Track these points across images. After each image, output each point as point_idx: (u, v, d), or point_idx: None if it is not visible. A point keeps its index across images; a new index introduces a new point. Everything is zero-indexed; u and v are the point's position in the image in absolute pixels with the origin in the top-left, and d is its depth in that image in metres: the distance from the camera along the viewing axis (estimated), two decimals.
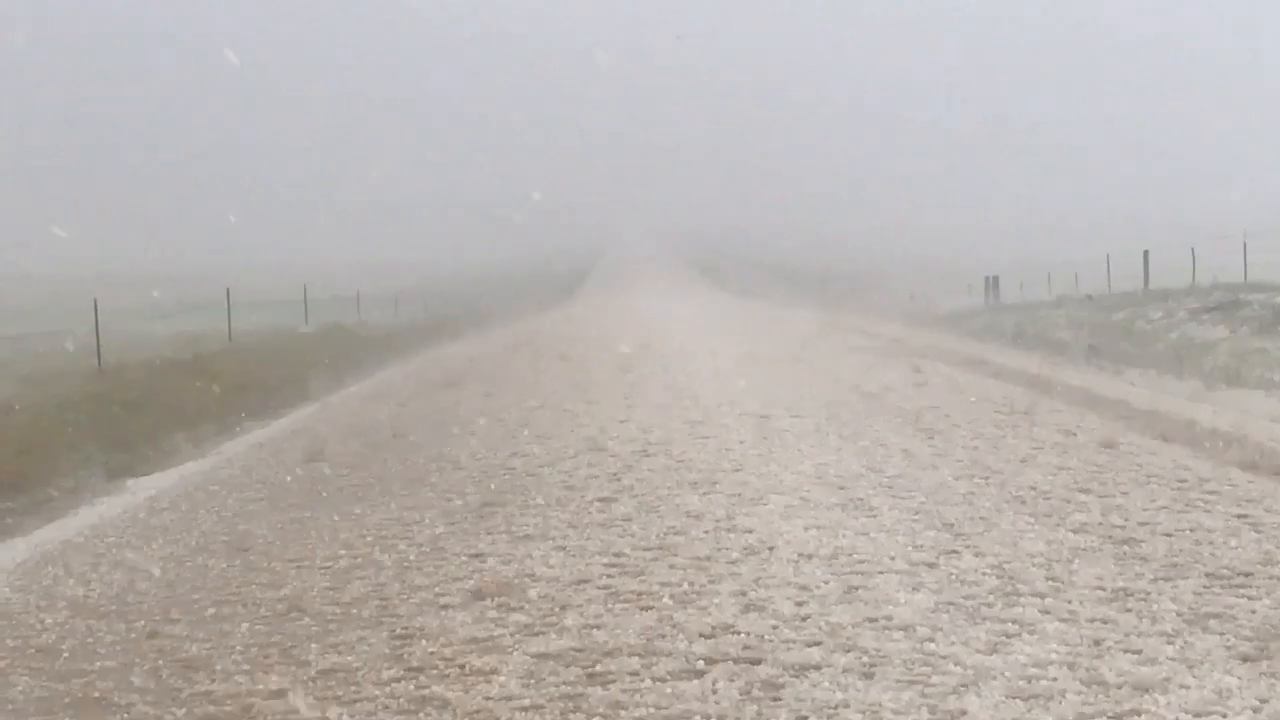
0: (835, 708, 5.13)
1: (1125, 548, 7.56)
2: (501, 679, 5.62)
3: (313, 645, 6.25)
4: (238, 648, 6.29)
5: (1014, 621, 6.14)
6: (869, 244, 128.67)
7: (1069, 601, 6.46)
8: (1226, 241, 31.15)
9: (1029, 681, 5.34)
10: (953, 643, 5.85)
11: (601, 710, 5.23)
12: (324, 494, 10.49)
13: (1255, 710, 5.02)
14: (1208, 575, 6.90)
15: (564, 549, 8.01)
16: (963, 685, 5.32)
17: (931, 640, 5.89)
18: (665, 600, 6.73)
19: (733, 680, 5.49)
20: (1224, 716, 4.97)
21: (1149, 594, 6.56)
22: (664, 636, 6.12)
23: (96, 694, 5.74)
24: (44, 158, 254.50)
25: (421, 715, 5.28)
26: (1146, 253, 36.20)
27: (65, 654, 6.34)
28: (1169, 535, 7.86)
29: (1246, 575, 6.89)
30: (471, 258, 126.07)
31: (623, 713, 5.20)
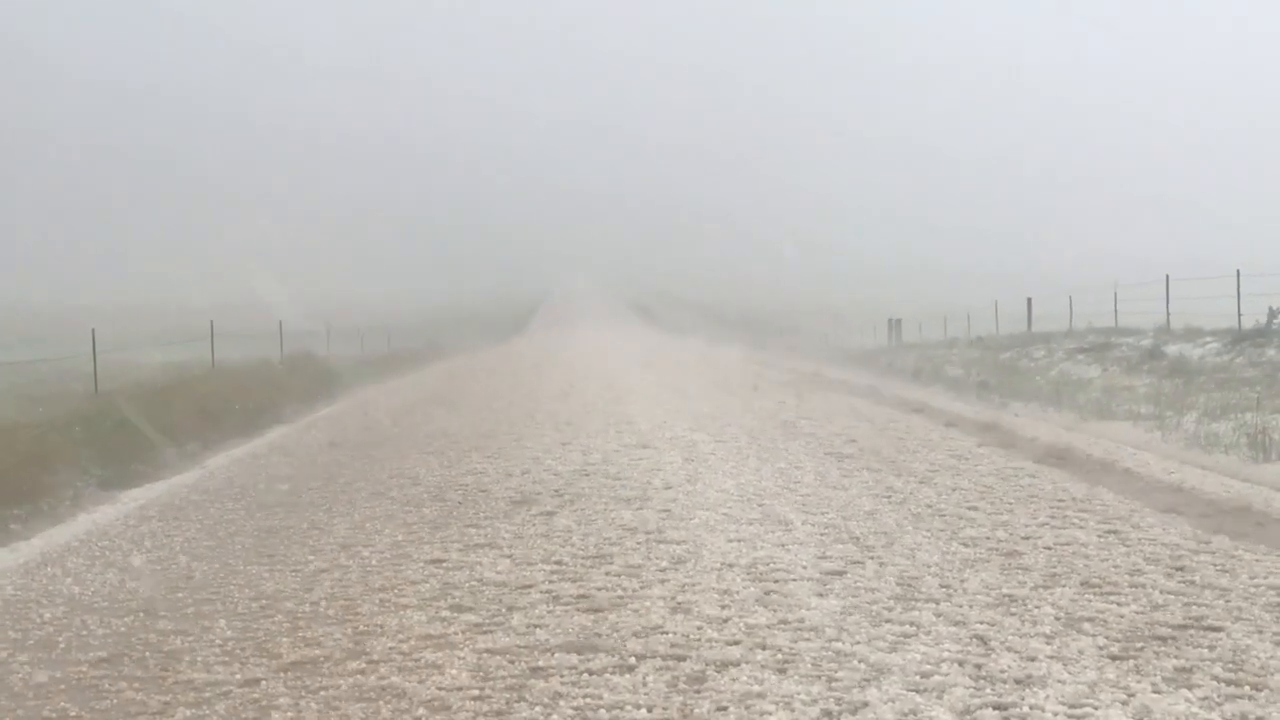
0: (752, 699, 5.12)
1: (1010, 559, 7.62)
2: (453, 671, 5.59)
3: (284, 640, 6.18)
4: (216, 641, 6.21)
5: (911, 624, 6.15)
6: (791, 285, 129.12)
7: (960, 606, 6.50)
8: (1100, 292, 31.61)
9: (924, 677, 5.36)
10: (857, 642, 5.86)
11: (544, 700, 5.20)
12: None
13: None
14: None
15: (510, 557, 7.97)
16: (865, 680, 5.33)
17: (838, 640, 5.90)
18: (602, 603, 6.71)
19: (661, 674, 5.47)
20: None
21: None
22: (600, 635, 6.10)
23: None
24: (47, 199, 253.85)
25: (381, 703, 5.23)
26: (1030, 300, 36.67)
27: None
28: (1049, 549, 7.94)
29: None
30: (433, 295, 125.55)
31: (561, 703, 5.16)
